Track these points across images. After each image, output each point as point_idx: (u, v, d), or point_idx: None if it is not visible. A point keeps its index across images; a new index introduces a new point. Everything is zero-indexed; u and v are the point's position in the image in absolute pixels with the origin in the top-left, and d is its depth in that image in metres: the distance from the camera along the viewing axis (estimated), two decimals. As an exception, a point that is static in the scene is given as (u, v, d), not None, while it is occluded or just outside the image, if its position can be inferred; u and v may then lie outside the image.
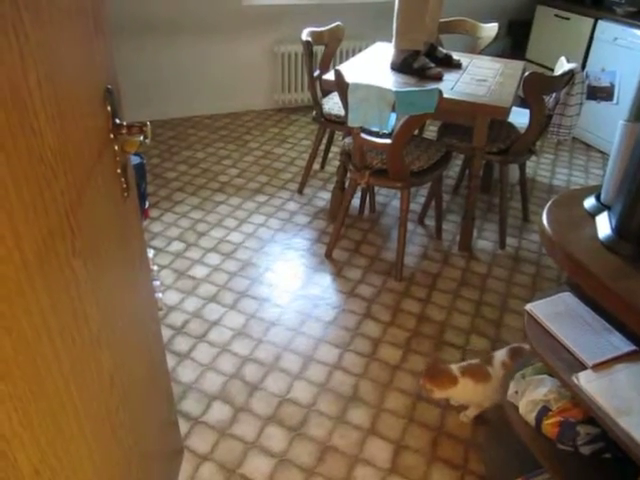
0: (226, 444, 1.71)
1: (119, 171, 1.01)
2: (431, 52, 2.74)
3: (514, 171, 3.16)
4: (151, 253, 2.31)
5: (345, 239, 2.74)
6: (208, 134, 3.88)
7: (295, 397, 1.87)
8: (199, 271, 2.48)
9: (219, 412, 1.82)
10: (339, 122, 2.80)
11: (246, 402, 1.85)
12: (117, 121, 0.97)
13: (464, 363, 1.77)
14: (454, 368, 1.73)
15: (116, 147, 0.97)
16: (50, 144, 0.74)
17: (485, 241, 2.78)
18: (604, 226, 1.14)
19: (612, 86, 3.74)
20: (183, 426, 1.76)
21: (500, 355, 1.76)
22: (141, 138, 0.95)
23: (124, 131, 0.97)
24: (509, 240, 2.79)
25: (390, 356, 2.05)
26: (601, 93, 3.77)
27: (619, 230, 1.09)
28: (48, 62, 0.72)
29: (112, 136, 0.96)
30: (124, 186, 1.05)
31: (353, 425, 1.78)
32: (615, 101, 3.69)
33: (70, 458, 0.82)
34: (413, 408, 1.85)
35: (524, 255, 2.69)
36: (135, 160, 1.93)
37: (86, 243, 0.87)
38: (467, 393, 1.73)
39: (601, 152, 3.85)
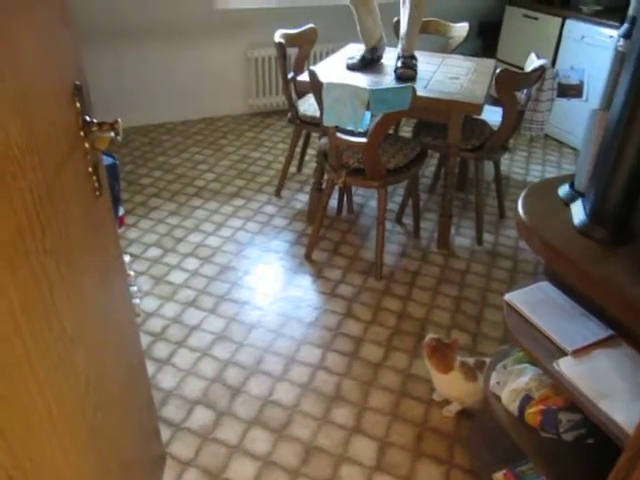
0: (209, 449, 1.69)
1: (90, 169, 0.99)
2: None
3: (489, 168, 3.20)
4: (127, 259, 2.28)
5: (324, 240, 2.73)
6: (183, 139, 3.85)
7: (278, 399, 1.85)
8: (177, 276, 2.45)
9: (201, 417, 1.79)
10: (314, 123, 2.80)
11: (228, 406, 1.82)
12: (87, 118, 0.95)
13: (465, 359, 1.79)
14: (458, 359, 1.76)
15: (87, 144, 0.95)
16: (16, 139, 0.72)
17: (463, 238, 2.80)
18: (578, 213, 1.15)
19: (581, 83, 3.81)
20: (165, 432, 1.72)
21: (471, 361, 1.80)
22: (112, 135, 0.93)
23: (94, 128, 0.95)
24: (486, 236, 2.81)
25: (372, 354, 2.05)
26: (571, 91, 3.84)
27: (593, 216, 1.11)
28: (9, 52, 0.70)
29: (82, 133, 0.94)
30: (96, 185, 1.03)
31: (337, 424, 1.77)
32: (584, 98, 3.76)
33: (45, 462, 0.79)
34: (397, 405, 1.84)
35: (501, 250, 2.71)
36: (108, 161, 1.89)
37: (57, 242, 0.85)
38: (452, 386, 1.74)
39: (573, 148, 3.92)
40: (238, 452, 1.68)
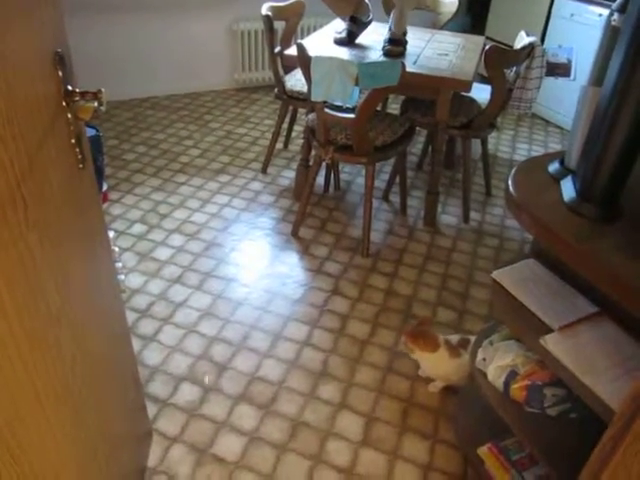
0: (196, 425, 1.69)
1: (73, 140, 0.96)
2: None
3: (476, 147, 3.19)
4: (111, 235, 2.25)
5: (311, 217, 2.72)
6: (167, 115, 3.78)
7: (265, 375, 1.86)
8: (163, 253, 2.43)
9: (188, 393, 1.79)
10: (302, 99, 2.76)
11: (215, 382, 1.82)
12: (69, 87, 0.92)
13: (448, 336, 1.80)
14: (441, 337, 1.76)
15: (69, 115, 0.92)
16: (-5, 107, 0.69)
17: (449, 216, 2.80)
18: (568, 189, 1.15)
19: (569, 62, 3.80)
20: (151, 408, 1.72)
21: (454, 339, 1.81)
22: (96, 105, 0.90)
23: (77, 98, 0.92)
24: (473, 214, 2.82)
25: (359, 331, 2.05)
26: (559, 69, 3.83)
27: (583, 193, 1.11)
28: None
29: (64, 103, 0.91)
30: (79, 157, 1.00)
31: (324, 400, 1.78)
32: (572, 77, 3.75)
33: (31, 440, 0.78)
34: (383, 381, 1.86)
35: (487, 228, 2.72)
36: (91, 133, 1.85)
37: (40, 215, 0.83)
38: (439, 364, 1.76)
39: (559, 127, 3.92)
40: (225, 428, 1.68)
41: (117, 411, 1.32)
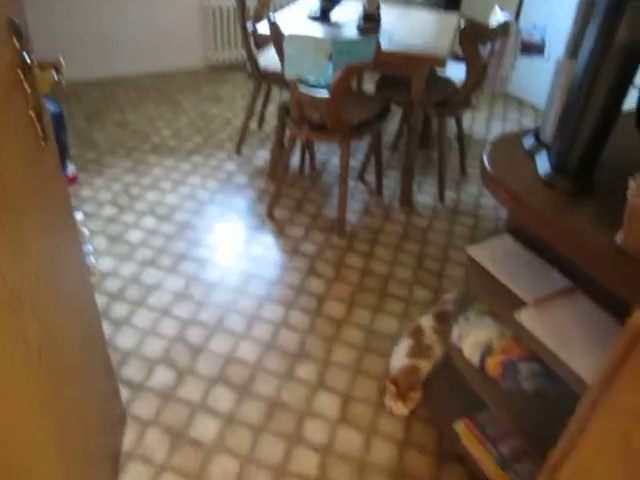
0: (172, 408, 1.67)
1: (32, 114, 0.92)
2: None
3: (451, 126, 3.18)
4: (80, 217, 2.19)
5: (286, 198, 2.69)
6: (138, 95, 3.69)
7: (241, 356, 1.84)
8: (135, 235, 2.38)
9: (163, 376, 1.76)
10: (275, 78, 2.71)
11: (190, 364, 1.80)
12: (26, 58, 0.87)
13: (404, 348, 1.74)
14: (404, 360, 1.70)
15: (26, 86, 0.88)
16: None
17: (425, 195, 2.80)
18: (543, 164, 1.14)
19: (543, 42, 3.81)
20: (125, 393, 1.69)
21: (426, 323, 1.79)
22: (54, 75, 0.86)
23: (35, 69, 0.87)
24: (448, 193, 2.82)
25: (335, 311, 2.04)
26: (533, 49, 3.84)
27: (558, 167, 1.10)
28: None
29: (21, 73, 0.86)
30: (40, 133, 0.96)
31: (301, 380, 1.77)
32: (546, 57, 3.76)
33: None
34: (359, 360, 1.85)
35: (463, 207, 2.73)
36: (54, 109, 1.78)
37: (-3, 190, 0.79)
38: (426, 371, 1.72)
39: (533, 108, 3.94)
40: (201, 410, 1.66)
41: (89, 397, 1.28)
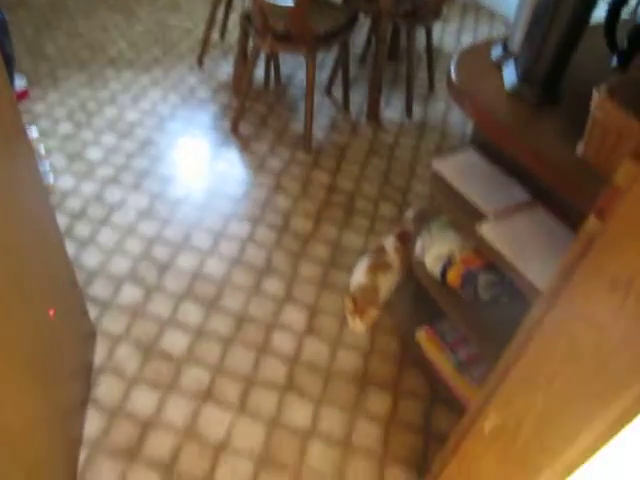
0: (141, 323, 1.69)
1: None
2: None
3: (420, 39, 3.09)
4: (35, 133, 2.09)
5: (251, 113, 2.61)
6: (88, 2, 3.43)
7: (208, 273, 1.85)
8: (94, 153, 2.30)
9: (130, 293, 1.77)
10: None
11: (158, 281, 1.81)
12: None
13: (364, 265, 1.74)
14: (362, 278, 1.71)
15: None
16: None
17: (392, 110, 2.76)
18: (510, 75, 1.13)
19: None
20: (93, 310, 1.70)
21: (389, 243, 1.80)
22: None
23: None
24: (416, 109, 2.78)
25: (302, 227, 2.05)
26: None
27: (525, 77, 1.09)
28: None
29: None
30: (-21, 37, 0.89)
31: (268, 295, 1.81)
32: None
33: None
34: (325, 275, 1.89)
35: (430, 123, 2.70)
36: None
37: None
38: (385, 290, 1.73)
39: (505, 20, 3.83)
40: (170, 325, 1.69)
41: (56, 312, 1.29)
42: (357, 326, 1.71)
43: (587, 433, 0.75)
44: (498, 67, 1.18)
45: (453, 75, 1.15)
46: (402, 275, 1.76)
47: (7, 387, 0.93)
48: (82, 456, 1.39)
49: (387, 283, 1.73)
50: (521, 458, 0.89)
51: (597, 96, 0.92)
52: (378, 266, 1.73)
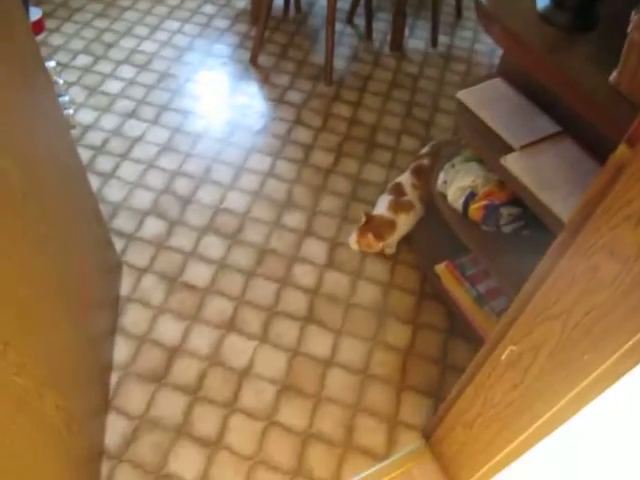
0: (164, 256, 1.72)
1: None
2: None
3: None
4: (53, 65, 2.07)
5: (270, 43, 2.54)
6: None
7: (229, 206, 1.86)
8: (113, 86, 2.27)
9: (153, 227, 1.79)
10: None
11: (180, 215, 1.83)
12: None
13: (385, 202, 1.73)
14: (384, 212, 1.70)
15: None
16: None
17: (417, 40, 2.65)
18: (542, -4, 1.07)
19: None
20: (118, 243, 1.74)
21: (405, 179, 1.77)
22: None
23: None
24: (441, 38, 2.67)
25: (322, 161, 2.04)
26: None
27: (558, 0, 1.03)
28: None
29: None
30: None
31: (289, 228, 1.82)
32: None
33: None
34: (346, 208, 1.89)
35: (456, 53, 2.60)
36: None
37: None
38: (403, 229, 1.73)
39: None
40: (193, 257, 1.72)
41: (81, 243, 1.32)
42: (352, 243, 1.73)
43: (603, 364, 0.76)
44: (530, -12, 1.11)
45: (482, -3, 1.09)
46: (422, 210, 1.75)
47: (42, 313, 0.97)
48: (113, 380, 1.46)
49: (407, 222, 1.72)
50: (536, 386, 0.91)
51: (635, 18, 0.87)
52: (400, 204, 1.72)
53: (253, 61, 2.42)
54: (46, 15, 2.58)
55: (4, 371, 0.81)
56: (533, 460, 1.01)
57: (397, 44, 2.56)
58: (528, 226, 1.36)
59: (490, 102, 1.33)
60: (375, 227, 1.67)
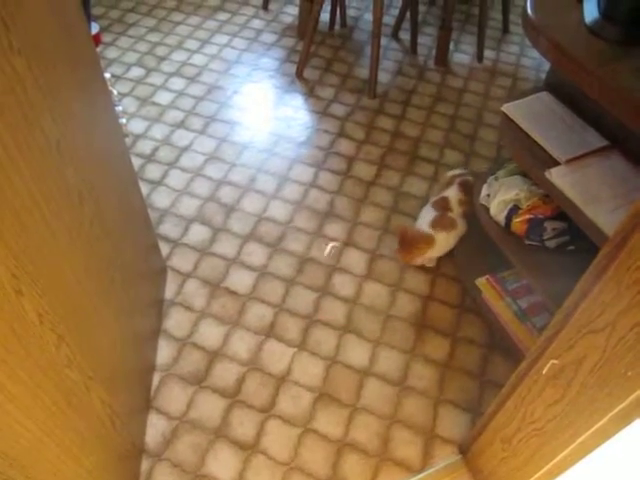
0: (208, 262, 1.77)
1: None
2: None
3: (496, -25, 2.91)
4: (107, 75, 2.17)
5: (316, 57, 2.58)
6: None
7: (272, 215, 1.90)
8: (163, 97, 2.36)
9: (198, 233, 1.84)
10: None
11: (224, 223, 1.87)
12: None
13: (429, 218, 1.73)
14: (424, 227, 1.71)
15: None
16: None
17: (462, 54, 2.65)
18: (591, 10, 1.06)
19: None
20: (164, 248, 1.79)
21: (453, 194, 1.75)
22: None
23: None
24: (487, 53, 2.66)
25: (365, 173, 2.05)
26: None
27: (607, 13, 1.02)
28: None
29: None
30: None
31: (330, 239, 1.84)
32: None
33: (45, 262, 0.82)
34: (387, 220, 1.90)
35: (502, 68, 2.59)
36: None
37: (26, 40, 0.78)
38: (443, 246, 1.72)
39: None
40: (235, 264, 1.76)
41: (130, 248, 1.37)
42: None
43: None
44: (579, 1, 1.11)
45: (529, 9, 1.09)
46: (464, 228, 1.73)
47: (92, 312, 1.02)
48: (155, 381, 1.50)
49: (446, 241, 1.71)
50: (578, 401, 0.89)
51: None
52: (442, 223, 1.70)
53: (299, 74, 2.47)
54: (103, 29, 2.70)
55: (57, 363, 0.86)
56: (575, 478, 0.99)
57: (442, 58, 2.56)
58: (573, 241, 1.34)
59: (536, 115, 1.32)
60: (411, 242, 1.68)
